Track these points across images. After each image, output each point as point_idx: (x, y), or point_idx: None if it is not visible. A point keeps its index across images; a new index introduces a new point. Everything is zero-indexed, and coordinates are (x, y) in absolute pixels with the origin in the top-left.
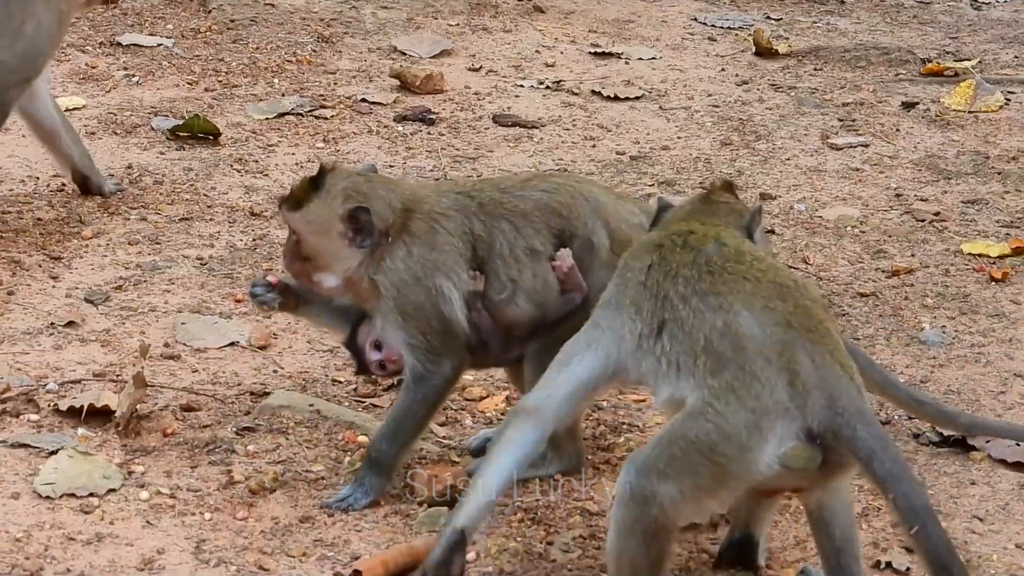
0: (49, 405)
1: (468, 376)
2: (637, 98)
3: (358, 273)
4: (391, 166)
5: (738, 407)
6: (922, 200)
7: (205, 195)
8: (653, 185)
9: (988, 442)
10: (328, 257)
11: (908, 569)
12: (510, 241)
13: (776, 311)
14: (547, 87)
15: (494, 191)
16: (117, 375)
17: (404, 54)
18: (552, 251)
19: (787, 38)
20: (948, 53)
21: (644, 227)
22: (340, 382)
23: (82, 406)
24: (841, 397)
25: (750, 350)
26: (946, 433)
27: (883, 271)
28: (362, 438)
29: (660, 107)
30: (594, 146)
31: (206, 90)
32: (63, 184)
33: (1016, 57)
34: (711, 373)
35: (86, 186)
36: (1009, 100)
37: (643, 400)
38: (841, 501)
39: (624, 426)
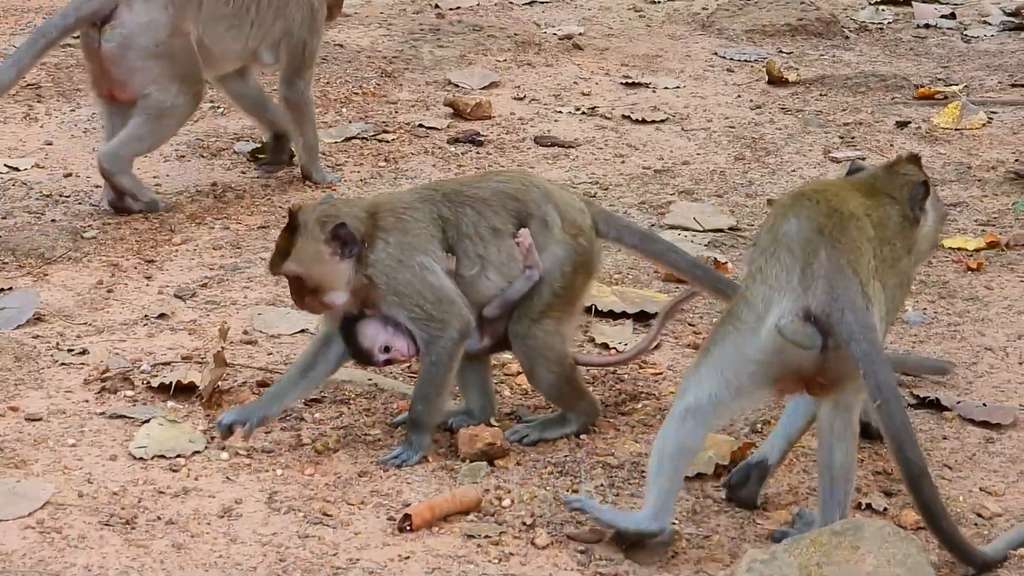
0: (143, 383)
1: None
2: (662, 121)
3: (355, 279)
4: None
5: (761, 284)
6: None
7: (280, 207)
8: (674, 194)
9: (959, 403)
10: (330, 279)
11: (885, 509)
12: (474, 222)
13: (816, 221)
14: (583, 113)
15: (454, 184)
16: (202, 358)
17: (457, 86)
18: (513, 230)
19: (797, 68)
20: (939, 80)
21: (585, 213)
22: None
23: (171, 383)
24: (840, 289)
25: (782, 243)
26: (922, 395)
27: None
28: None
29: (682, 128)
30: (623, 162)
31: None
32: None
33: (1000, 82)
34: (754, 261)
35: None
36: (991, 119)
37: (659, 373)
38: (849, 430)
39: (642, 394)
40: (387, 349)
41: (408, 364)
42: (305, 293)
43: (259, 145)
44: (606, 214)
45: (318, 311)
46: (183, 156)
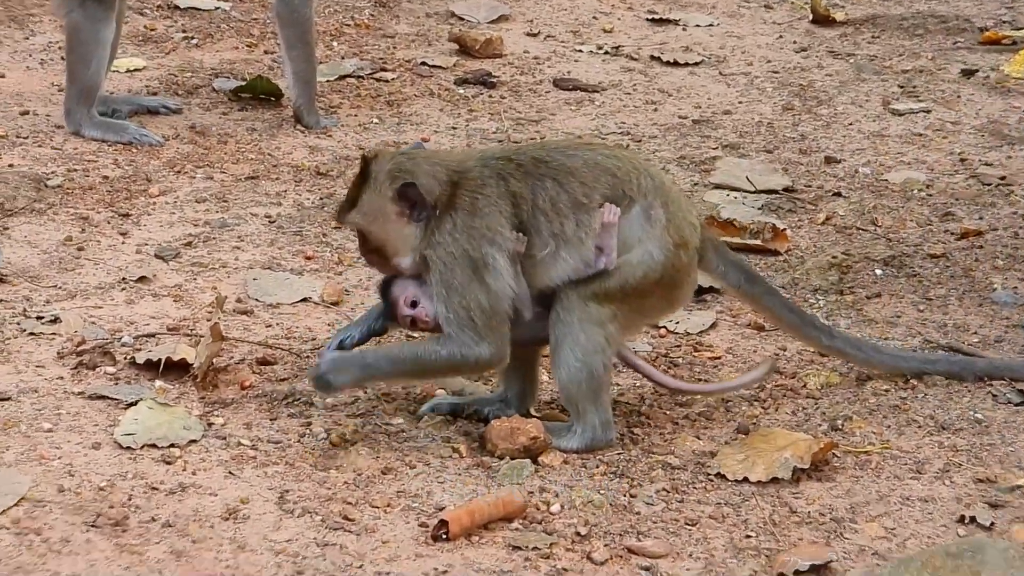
0: (125, 358)
1: None
2: (696, 64)
3: (420, 247)
4: (454, 128)
5: None
6: (987, 164)
7: (270, 155)
8: (717, 148)
9: None
10: (394, 240)
11: (992, 524)
12: (552, 196)
13: None
14: (606, 52)
15: (537, 151)
16: (191, 329)
17: (461, 19)
18: (600, 205)
19: (843, 6)
20: (1005, 22)
21: (696, 229)
22: (416, 337)
23: (159, 359)
24: None
25: None
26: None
27: (952, 233)
28: (440, 391)
29: (720, 73)
30: (656, 110)
31: (265, 52)
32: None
33: None
34: None
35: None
36: None
37: (718, 357)
38: None
39: (701, 381)
40: (414, 304)
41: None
42: (370, 249)
43: (243, 82)
44: (718, 245)
45: (384, 271)
46: (155, 93)
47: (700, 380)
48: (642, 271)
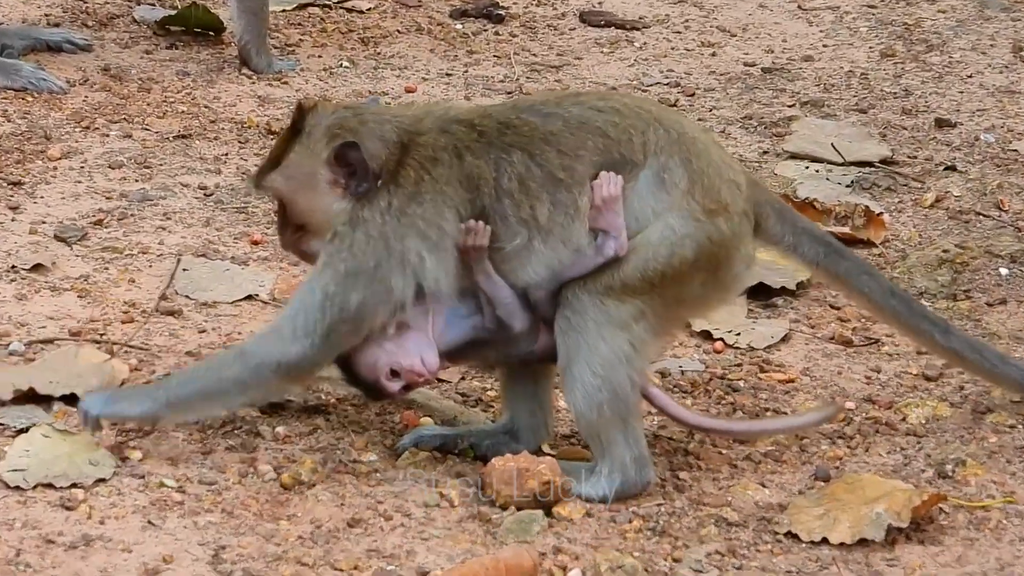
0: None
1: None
2: None
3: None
4: (448, 75)
5: None
6: None
7: (207, 106)
8: (794, 106)
9: None
10: (322, 216)
11: None
12: (520, 173)
13: None
14: None
15: (508, 113)
16: (101, 334)
17: None
18: (590, 177)
19: None
20: None
21: (739, 188)
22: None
23: None
24: None
25: None
26: None
27: None
28: (425, 419)
29: (799, 6)
30: (714, 54)
31: None
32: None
33: None
34: None
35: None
36: None
37: (791, 380)
38: None
39: (768, 412)
40: (395, 374)
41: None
42: (288, 225)
43: (173, 10)
44: (782, 207)
45: (302, 258)
46: (57, 25)
47: (765, 408)
48: (666, 251)
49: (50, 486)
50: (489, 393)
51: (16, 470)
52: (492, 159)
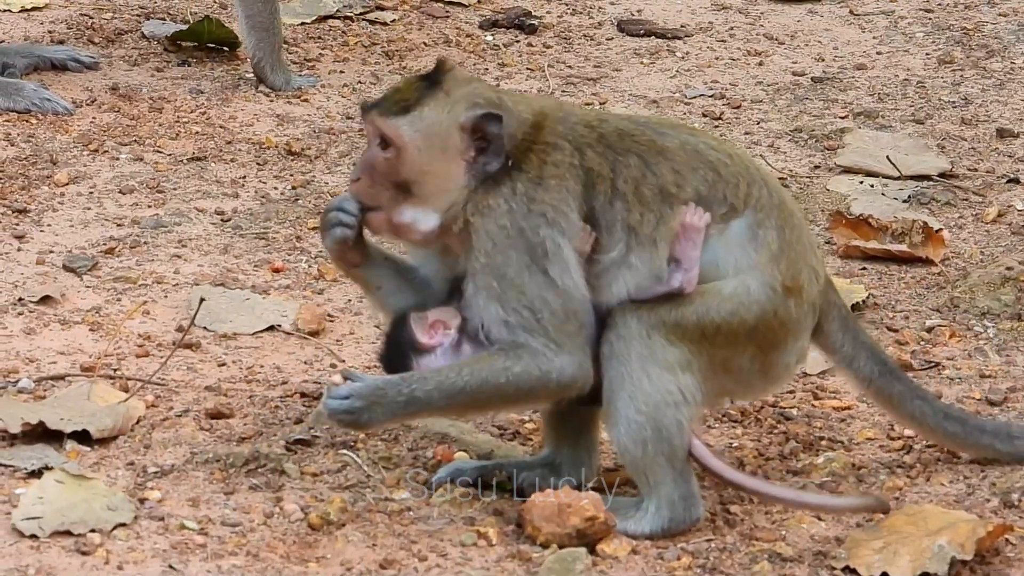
0: None
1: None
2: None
3: (459, 210)
4: None
5: None
6: None
7: (222, 127)
8: (847, 117)
9: None
10: (436, 183)
11: None
12: (635, 177)
13: None
14: None
15: (623, 122)
16: (115, 369)
17: None
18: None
19: None
20: None
21: (818, 276)
22: None
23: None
24: None
25: None
26: None
27: None
28: (460, 454)
29: (851, 11)
30: (761, 64)
31: None
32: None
33: None
34: None
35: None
36: None
37: (847, 408)
38: None
39: (823, 442)
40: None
41: None
42: (389, 177)
43: (184, 25)
44: (847, 314)
45: (379, 224)
46: (62, 42)
47: (819, 437)
48: (731, 307)
49: (67, 533)
50: (527, 426)
51: (31, 518)
52: (610, 160)
